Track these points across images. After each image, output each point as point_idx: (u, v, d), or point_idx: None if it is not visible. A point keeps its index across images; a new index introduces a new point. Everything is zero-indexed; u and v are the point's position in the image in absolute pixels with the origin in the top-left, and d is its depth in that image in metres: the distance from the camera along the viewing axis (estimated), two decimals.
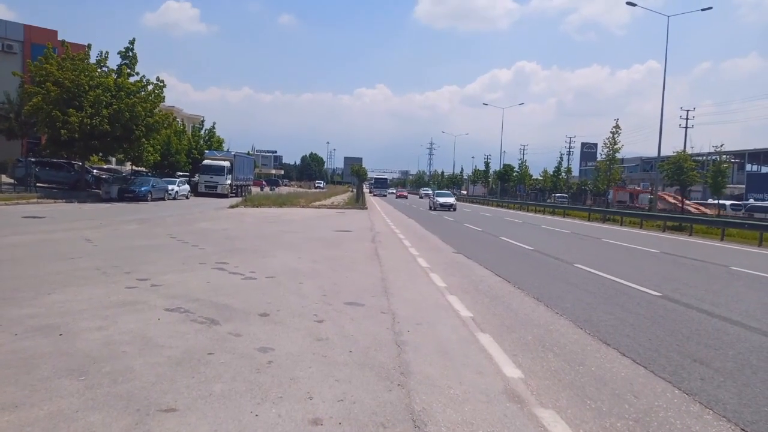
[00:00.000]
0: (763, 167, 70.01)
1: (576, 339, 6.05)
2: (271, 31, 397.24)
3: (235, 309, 6.59)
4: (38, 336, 5.16)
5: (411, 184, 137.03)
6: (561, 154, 69.58)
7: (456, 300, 7.71)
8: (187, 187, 39.23)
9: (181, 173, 45.35)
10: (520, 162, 78.40)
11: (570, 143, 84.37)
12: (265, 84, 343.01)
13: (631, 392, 4.45)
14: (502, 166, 77.45)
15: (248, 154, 64.02)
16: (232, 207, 28.86)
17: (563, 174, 65.71)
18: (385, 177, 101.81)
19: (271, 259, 10.88)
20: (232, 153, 47.43)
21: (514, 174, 76.22)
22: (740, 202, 44.87)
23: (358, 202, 37.94)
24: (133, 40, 32.39)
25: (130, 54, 32.24)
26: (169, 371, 4.37)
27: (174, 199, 35.31)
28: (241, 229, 17.75)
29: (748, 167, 69.22)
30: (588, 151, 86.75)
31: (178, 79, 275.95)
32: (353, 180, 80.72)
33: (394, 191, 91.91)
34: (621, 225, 29.54)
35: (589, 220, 32.90)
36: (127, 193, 31.06)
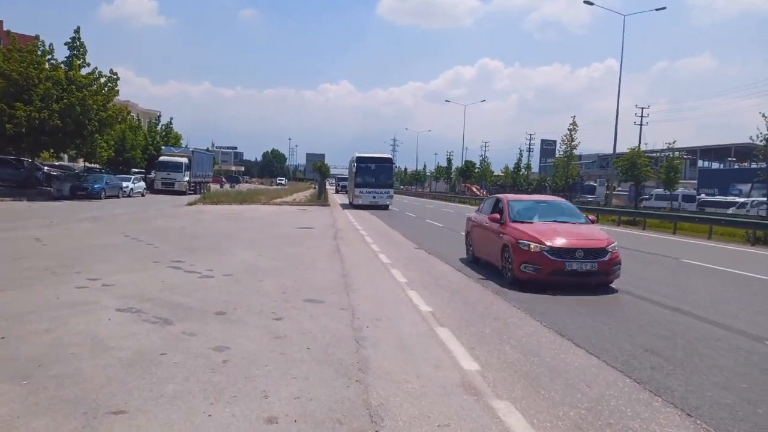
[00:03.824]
0: (714, 163, 72.93)
1: (532, 331, 6.16)
2: (232, 25, 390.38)
3: (191, 308, 6.45)
4: None
5: None
6: (521, 151, 70.67)
7: (416, 295, 7.74)
8: (142, 184, 38.23)
9: (136, 170, 44.15)
10: (481, 158, 79.39)
11: (530, 140, 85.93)
12: (227, 79, 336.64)
13: (584, 382, 4.55)
14: (463, 163, 78.25)
15: (207, 150, 62.86)
16: (190, 204, 28.25)
17: (523, 170, 66.84)
18: (388, 157, 36.22)
19: (229, 257, 10.70)
20: (191, 149, 46.48)
21: (476, 170, 77.13)
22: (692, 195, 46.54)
23: (321, 198, 37.72)
24: (78, 28, 31.29)
25: (78, 43, 31.14)
26: (120, 373, 4.23)
27: (129, 196, 34.36)
28: (199, 226, 17.39)
29: (700, 163, 71.95)
30: (547, 147, 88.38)
31: (135, 73, 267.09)
32: (315, 176, 70.33)
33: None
34: None
35: None
36: (80, 190, 30.03)
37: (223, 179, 74.89)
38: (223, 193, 38.56)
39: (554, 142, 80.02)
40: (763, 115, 22.96)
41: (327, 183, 55.13)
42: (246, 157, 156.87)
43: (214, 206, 28.31)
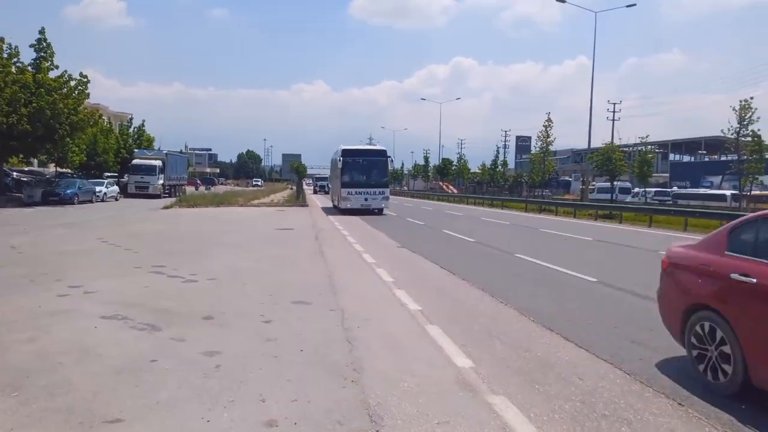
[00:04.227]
0: (684, 156, 74.66)
1: (521, 326, 6.23)
2: (203, 26, 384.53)
3: (177, 313, 6.36)
4: None
5: None
6: (497, 148, 71.35)
7: (404, 294, 7.75)
8: (116, 188, 37.56)
9: (109, 174, 43.31)
10: (458, 156, 79.95)
11: (506, 137, 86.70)
12: (199, 79, 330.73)
13: (576, 375, 4.62)
14: (440, 161, 78.68)
15: (181, 152, 61.99)
16: (165, 208, 27.84)
17: (500, 167, 67.49)
18: (382, 149, 28.68)
19: (211, 261, 10.58)
20: (164, 151, 45.79)
21: (453, 168, 77.63)
22: (665, 190, 47.72)
23: (299, 199, 37.51)
24: (43, 29, 30.48)
25: (44, 44, 30.36)
26: (111, 381, 4.16)
27: (102, 201, 33.74)
28: (177, 230, 17.16)
29: (671, 157, 73.56)
30: (523, 144, 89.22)
31: (103, 75, 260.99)
32: (292, 177, 67.95)
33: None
34: (556, 215, 30.66)
35: (526, 211, 33.96)
36: (52, 196, 29.38)
37: (198, 181, 73.95)
38: (199, 196, 38.05)
39: (529, 138, 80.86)
40: (734, 109, 23.56)
41: (304, 183, 54.71)
42: (221, 158, 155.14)
43: (190, 209, 27.96)
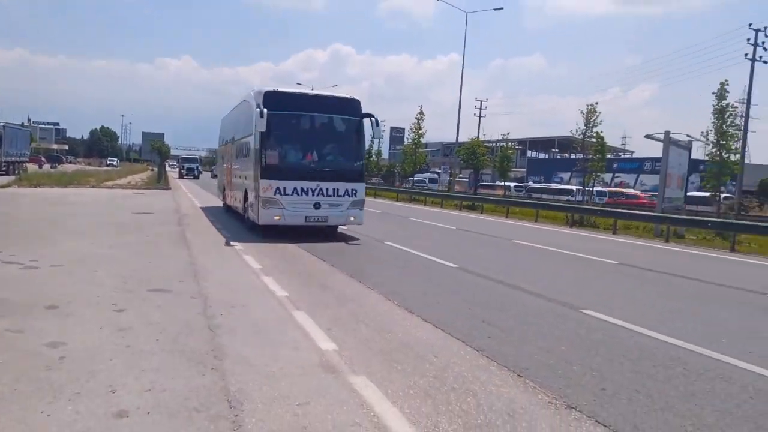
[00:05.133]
0: (540, 153, 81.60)
1: (385, 310, 6.47)
2: None
3: (14, 302, 5.74)
4: None
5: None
6: (371, 139, 72.54)
7: (271, 281, 7.67)
8: None
9: None
10: None
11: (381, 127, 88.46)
12: (46, 45, 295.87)
13: (432, 353, 4.92)
14: None
15: (22, 125, 55.50)
16: (2, 187, 24.76)
17: (374, 157, 68.74)
18: (351, 99, 13.00)
19: (56, 246, 9.63)
20: (1, 124, 40.67)
21: None
22: (522, 184, 51.82)
23: (161, 181, 35.32)
24: None
25: None
26: None
27: None
28: (15, 212, 15.37)
29: (529, 153, 79.97)
30: (397, 135, 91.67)
31: None
32: (153, 158, 60.78)
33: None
34: (425, 204, 32.00)
35: (397, 201, 35.03)
36: None
37: (43, 159, 66.54)
38: (43, 175, 34.34)
39: (403, 129, 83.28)
40: (581, 112, 26.22)
41: (167, 165, 51.40)
42: (70, 134, 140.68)
43: (33, 189, 25.12)
